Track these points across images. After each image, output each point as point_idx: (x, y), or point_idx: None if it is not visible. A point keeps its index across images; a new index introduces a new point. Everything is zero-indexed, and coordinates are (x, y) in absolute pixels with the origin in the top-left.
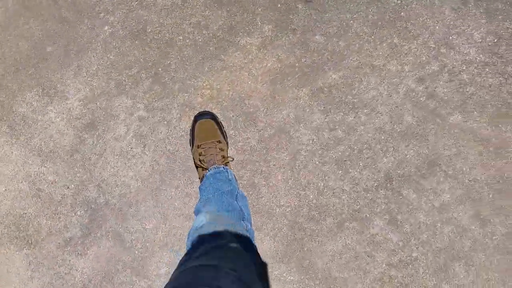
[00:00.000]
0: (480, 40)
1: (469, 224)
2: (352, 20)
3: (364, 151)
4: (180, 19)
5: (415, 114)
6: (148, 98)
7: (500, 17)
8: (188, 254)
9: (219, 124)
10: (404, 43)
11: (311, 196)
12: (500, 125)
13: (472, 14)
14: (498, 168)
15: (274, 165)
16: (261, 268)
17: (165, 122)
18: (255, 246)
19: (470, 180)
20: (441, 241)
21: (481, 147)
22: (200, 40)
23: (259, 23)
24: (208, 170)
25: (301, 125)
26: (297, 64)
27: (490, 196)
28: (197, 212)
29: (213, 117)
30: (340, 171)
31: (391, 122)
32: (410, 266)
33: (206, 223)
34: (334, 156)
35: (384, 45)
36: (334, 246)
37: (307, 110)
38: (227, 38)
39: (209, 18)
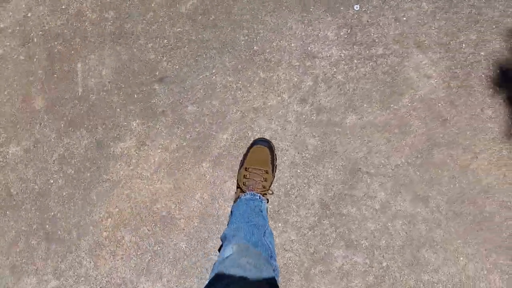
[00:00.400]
0: (335, 37)
1: (413, 209)
2: (213, 76)
3: (290, 192)
4: (40, 162)
5: (315, 134)
6: (51, 264)
7: (341, 8)
8: None
9: (273, 155)
10: (271, 74)
11: None
12: (391, 105)
13: (316, 17)
14: (410, 145)
15: (215, 255)
16: None
17: (83, 279)
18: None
19: (393, 169)
20: (399, 238)
21: (386, 134)
22: (72, 172)
23: (125, 123)
24: (245, 194)
25: (220, 199)
26: (184, 143)
27: (417, 173)
28: (224, 239)
29: (270, 146)
30: (280, 224)
31: (298, 153)
32: (386, 276)
33: (232, 255)
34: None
35: (254, 84)
36: None
37: (217, 182)
38: (100, 154)
39: (70, 145)
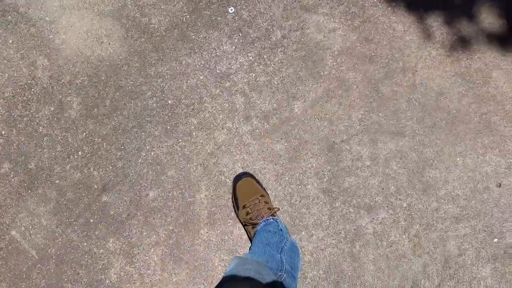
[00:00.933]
0: (233, 47)
1: (396, 145)
2: (151, 152)
3: (292, 201)
4: None
5: (277, 139)
6: None
7: (218, 18)
8: None
9: (257, 180)
10: (202, 115)
11: None
12: (320, 73)
13: (203, 40)
14: (359, 96)
15: None
16: None
17: None
18: None
19: (360, 124)
20: (402, 176)
21: (334, 100)
22: None
23: (101, 250)
24: (259, 225)
25: (239, 250)
26: (170, 227)
27: (380, 115)
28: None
29: (250, 174)
30: (303, 232)
31: (275, 164)
32: (413, 213)
33: (233, 267)
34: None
35: (194, 134)
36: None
37: (225, 237)
38: None
39: None
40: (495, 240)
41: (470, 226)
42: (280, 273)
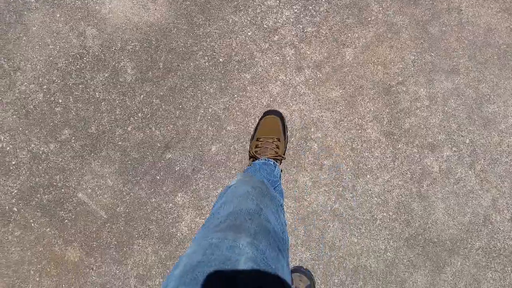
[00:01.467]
0: (277, 1)
1: (452, 83)
2: (208, 108)
3: (354, 146)
4: None
5: (332, 87)
6: None
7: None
8: (210, 220)
9: (284, 125)
10: (254, 69)
11: None
12: (368, 19)
13: None
14: (408, 39)
15: None
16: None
17: None
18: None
19: (413, 66)
20: (461, 113)
21: (385, 43)
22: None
23: (170, 205)
24: (259, 160)
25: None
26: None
27: (432, 54)
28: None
29: (280, 116)
30: (368, 175)
31: (332, 111)
32: (476, 148)
33: (234, 184)
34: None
35: (248, 88)
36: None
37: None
38: (174, 249)
39: (136, 263)
40: None
41: None
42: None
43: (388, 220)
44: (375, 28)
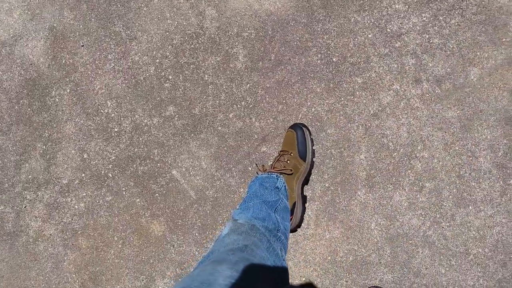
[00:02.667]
0: (406, 6)
1: None
2: (311, 108)
3: (461, 172)
4: None
5: (449, 105)
6: None
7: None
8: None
9: (303, 138)
10: (367, 74)
11: None
12: (502, 39)
13: None
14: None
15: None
16: None
17: None
18: (284, 263)
19: None
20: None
21: None
22: None
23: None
24: (262, 173)
25: (397, 216)
26: (326, 185)
27: None
28: (232, 218)
29: (299, 130)
30: (470, 207)
31: (445, 132)
32: None
33: (229, 231)
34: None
35: (357, 93)
36: None
37: (384, 202)
38: None
39: None
40: None
41: None
42: (278, 234)
43: (483, 257)
44: (508, 50)
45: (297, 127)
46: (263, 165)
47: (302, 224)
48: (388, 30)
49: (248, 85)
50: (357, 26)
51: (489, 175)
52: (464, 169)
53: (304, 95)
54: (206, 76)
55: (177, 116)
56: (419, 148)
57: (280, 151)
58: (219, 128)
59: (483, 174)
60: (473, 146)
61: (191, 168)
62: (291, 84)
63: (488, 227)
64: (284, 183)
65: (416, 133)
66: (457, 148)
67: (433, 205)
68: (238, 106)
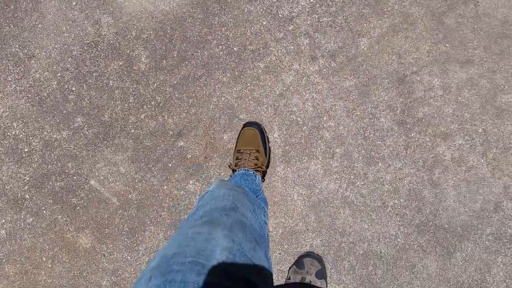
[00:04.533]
0: None
1: (467, 74)
2: (221, 97)
3: (366, 135)
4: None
5: (345, 76)
6: None
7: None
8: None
9: (263, 136)
10: (268, 59)
11: None
12: (384, 9)
13: None
14: (424, 30)
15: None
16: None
17: None
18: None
19: (427, 56)
20: (475, 102)
21: (400, 34)
22: None
23: (181, 192)
24: (239, 170)
25: (317, 184)
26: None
27: (447, 45)
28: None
29: (259, 128)
30: (380, 163)
31: (345, 101)
32: (489, 137)
33: (217, 185)
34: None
35: (262, 77)
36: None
37: (301, 173)
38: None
39: (151, 243)
40: None
41: None
42: (258, 200)
43: (399, 207)
44: (391, 18)
45: (255, 125)
46: (236, 164)
47: None
48: (280, 15)
49: (155, 84)
50: (251, 15)
51: (392, 132)
52: (368, 131)
53: (212, 86)
54: (110, 81)
55: (86, 126)
56: (325, 119)
57: (244, 149)
58: (132, 130)
59: (386, 132)
60: (373, 108)
61: (109, 175)
62: (197, 78)
63: (399, 179)
64: (261, 181)
65: (320, 105)
66: (358, 113)
67: (346, 168)
68: (149, 106)
